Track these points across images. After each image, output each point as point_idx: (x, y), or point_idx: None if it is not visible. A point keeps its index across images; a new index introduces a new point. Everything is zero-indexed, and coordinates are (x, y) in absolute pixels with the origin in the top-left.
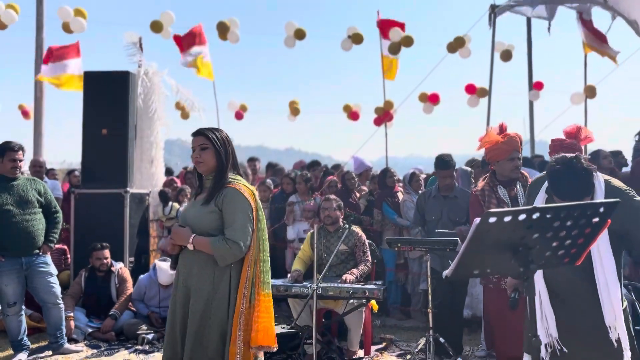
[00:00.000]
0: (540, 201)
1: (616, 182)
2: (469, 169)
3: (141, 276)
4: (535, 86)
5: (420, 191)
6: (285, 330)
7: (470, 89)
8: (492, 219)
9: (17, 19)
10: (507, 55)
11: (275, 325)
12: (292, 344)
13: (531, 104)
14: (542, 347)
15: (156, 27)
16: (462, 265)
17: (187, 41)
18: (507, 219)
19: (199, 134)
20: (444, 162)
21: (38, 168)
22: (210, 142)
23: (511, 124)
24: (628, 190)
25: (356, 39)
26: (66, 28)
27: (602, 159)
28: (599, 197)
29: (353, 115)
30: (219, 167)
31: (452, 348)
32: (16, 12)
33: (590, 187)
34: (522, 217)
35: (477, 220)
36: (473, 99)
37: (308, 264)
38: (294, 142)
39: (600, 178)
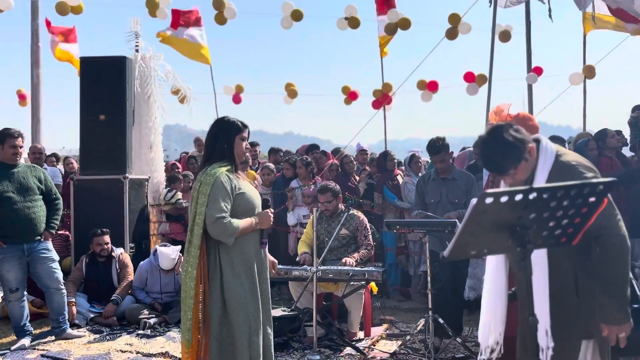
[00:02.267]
0: (485, 178)
1: (569, 157)
2: (469, 148)
3: (141, 262)
4: (534, 71)
5: (420, 173)
6: (286, 313)
7: (469, 77)
8: (489, 200)
9: (12, 5)
10: (505, 36)
11: (276, 308)
12: (293, 327)
13: (530, 87)
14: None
15: (151, 5)
16: (459, 246)
17: (185, 19)
18: (503, 199)
19: (248, 127)
20: (433, 147)
21: (38, 155)
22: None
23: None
24: (578, 166)
25: (353, 22)
26: (61, 9)
27: (609, 137)
28: (541, 171)
29: (351, 96)
30: None
31: (452, 329)
32: None
33: (514, 160)
34: (518, 197)
35: (474, 200)
36: (472, 87)
37: (312, 247)
38: (293, 127)
39: (549, 150)
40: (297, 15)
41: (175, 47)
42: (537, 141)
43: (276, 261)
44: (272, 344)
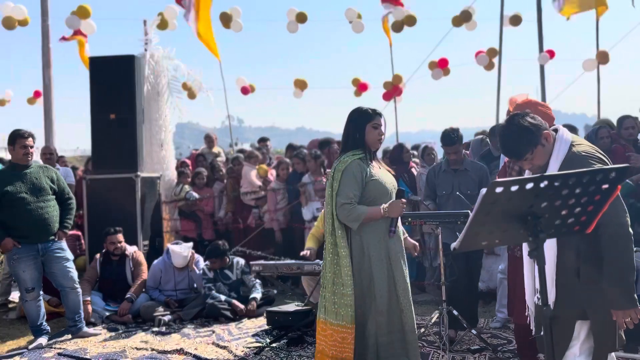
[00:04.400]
0: (501, 163)
1: (581, 147)
2: (482, 136)
3: (155, 262)
4: (547, 53)
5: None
6: (300, 308)
7: (480, 54)
8: (499, 189)
9: (27, 13)
10: (516, 20)
11: (290, 302)
12: (307, 321)
13: (542, 72)
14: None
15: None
16: (470, 237)
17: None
18: (514, 188)
19: (381, 115)
20: (447, 138)
21: (49, 155)
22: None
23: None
24: (588, 157)
25: (357, 27)
26: (72, 23)
27: (624, 128)
28: (555, 160)
29: (362, 88)
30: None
31: (467, 321)
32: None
33: (530, 144)
34: (529, 185)
35: (484, 190)
36: (482, 58)
37: (321, 240)
38: (304, 122)
39: (564, 140)
40: (301, 18)
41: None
42: (556, 131)
43: (416, 244)
44: (412, 328)
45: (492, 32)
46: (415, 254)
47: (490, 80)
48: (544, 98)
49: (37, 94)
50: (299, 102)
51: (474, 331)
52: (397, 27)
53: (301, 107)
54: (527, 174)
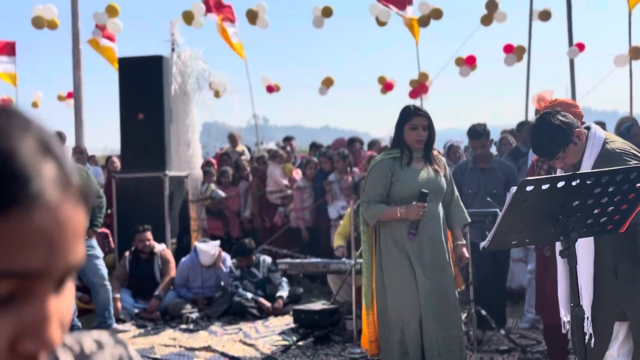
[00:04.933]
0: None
1: (616, 144)
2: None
3: (182, 259)
4: (576, 47)
5: (459, 161)
6: (326, 307)
7: (509, 48)
8: (529, 188)
9: (57, 12)
10: (545, 15)
11: (316, 301)
12: (333, 320)
13: (572, 67)
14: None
15: (188, 17)
16: (500, 236)
17: (217, 7)
18: (545, 186)
19: (424, 114)
20: (475, 131)
21: (79, 155)
22: (430, 123)
23: (548, 88)
24: (623, 154)
25: (380, 22)
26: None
27: None
28: (588, 158)
29: (387, 86)
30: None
31: (495, 320)
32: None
33: (562, 143)
34: (560, 184)
35: (514, 189)
36: (510, 58)
37: (348, 239)
38: (329, 120)
39: (597, 137)
40: (327, 12)
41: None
42: (588, 128)
43: (464, 255)
44: (431, 330)
45: (521, 27)
46: (460, 264)
47: (518, 77)
48: (573, 95)
49: (69, 95)
50: (324, 101)
51: (502, 331)
52: (424, 21)
53: (326, 106)
54: (558, 173)
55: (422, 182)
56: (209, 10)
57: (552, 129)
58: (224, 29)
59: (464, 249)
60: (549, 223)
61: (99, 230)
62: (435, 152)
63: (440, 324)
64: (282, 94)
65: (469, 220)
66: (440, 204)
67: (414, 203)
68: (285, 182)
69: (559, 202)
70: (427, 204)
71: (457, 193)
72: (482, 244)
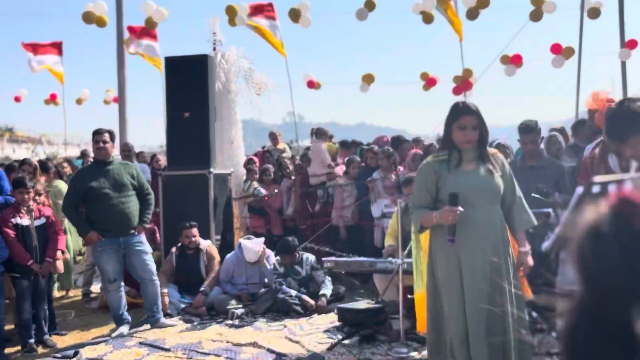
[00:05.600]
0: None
1: None
2: (553, 133)
3: (228, 256)
4: (628, 45)
5: (507, 160)
6: (371, 306)
7: (556, 48)
8: (596, 189)
9: (107, 9)
10: (594, 13)
11: (360, 300)
12: (379, 320)
13: (624, 68)
14: None
15: (231, 12)
16: (562, 238)
17: (258, 8)
18: (612, 188)
19: (473, 113)
20: (526, 126)
21: (127, 152)
22: (480, 122)
23: (600, 87)
24: None
25: (427, 18)
26: (150, 24)
27: None
28: None
29: (430, 82)
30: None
31: (546, 323)
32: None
33: (633, 129)
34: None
35: (580, 189)
36: (558, 59)
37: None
38: (365, 117)
39: None
40: (371, 5)
41: (257, 31)
42: None
43: (527, 264)
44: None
45: (570, 23)
46: (523, 273)
47: (566, 75)
48: (625, 91)
49: (115, 100)
50: (359, 97)
51: (553, 334)
52: (472, 14)
53: (361, 103)
54: (633, 168)
55: (470, 184)
56: (252, 13)
57: (628, 113)
58: (263, 30)
59: (528, 257)
60: None
61: (147, 226)
62: (493, 151)
63: (487, 339)
64: (318, 91)
65: (535, 223)
66: (498, 207)
67: (445, 207)
68: (329, 160)
69: None
70: (478, 208)
71: (519, 194)
72: (544, 245)
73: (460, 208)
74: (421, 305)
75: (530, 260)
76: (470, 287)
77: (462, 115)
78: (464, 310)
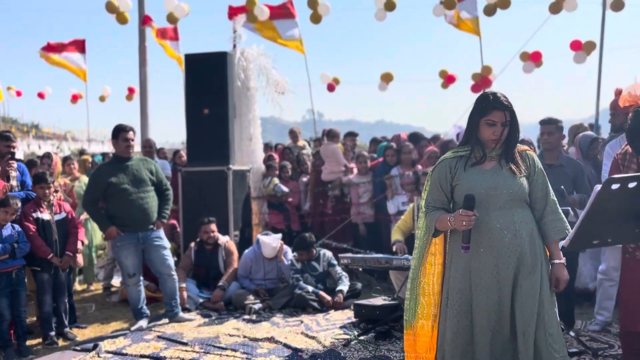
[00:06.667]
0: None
1: None
2: (594, 135)
3: (246, 251)
4: None
5: None
6: (387, 302)
7: (576, 45)
8: (615, 186)
9: (131, 6)
10: (618, 5)
11: (376, 296)
12: (395, 316)
13: None
14: None
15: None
16: (581, 236)
17: (277, 12)
18: (631, 185)
19: (505, 108)
20: (547, 119)
21: (148, 148)
22: (512, 117)
23: (621, 84)
24: None
25: (448, 4)
26: (172, 19)
27: None
28: None
29: (449, 80)
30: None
31: (564, 322)
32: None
33: None
34: None
35: (598, 187)
36: (580, 55)
37: (407, 234)
38: (384, 115)
39: None
40: (390, 6)
41: (265, 33)
42: None
43: (562, 277)
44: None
45: (591, 17)
46: (558, 288)
47: (585, 71)
48: None
49: (130, 90)
50: (379, 95)
51: (572, 333)
52: (490, 10)
53: (381, 100)
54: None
55: (485, 185)
56: (277, 16)
57: None
58: (273, 32)
59: (563, 270)
60: (635, 222)
61: (167, 222)
62: (523, 148)
63: None
64: (337, 89)
65: (569, 231)
66: (524, 212)
67: (458, 210)
68: (344, 161)
69: None
70: (493, 212)
71: (552, 197)
72: (562, 243)
73: (475, 212)
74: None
75: (565, 274)
76: (478, 309)
77: (492, 111)
78: (471, 339)
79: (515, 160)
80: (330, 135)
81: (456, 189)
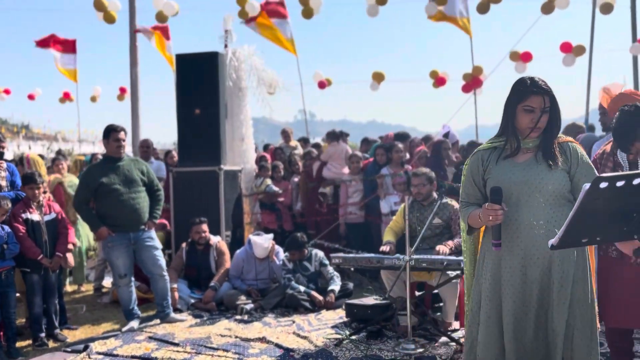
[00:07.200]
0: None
1: None
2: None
3: (237, 252)
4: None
5: None
6: (379, 302)
7: (566, 47)
8: (603, 185)
9: (120, 7)
10: (607, 8)
11: (368, 296)
12: (386, 316)
13: (635, 63)
14: None
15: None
16: (570, 234)
17: (270, 11)
18: (619, 183)
19: (545, 92)
20: None
21: (145, 149)
22: (553, 103)
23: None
24: None
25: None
26: (161, 17)
27: None
28: None
29: (440, 81)
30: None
31: None
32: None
33: None
34: (637, 181)
35: (587, 186)
36: (569, 58)
37: (399, 235)
38: (376, 115)
39: None
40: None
41: (262, 31)
42: None
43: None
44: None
45: (581, 18)
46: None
47: (575, 72)
48: (636, 87)
49: (122, 90)
50: (370, 95)
51: None
52: (483, 7)
53: (373, 101)
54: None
55: (515, 178)
56: (271, 15)
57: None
58: (273, 29)
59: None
60: (623, 221)
61: (157, 221)
62: (565, 139)
63: None
64: (329, 89)
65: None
66: (566, 210)
67: (485, 204)
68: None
69: (635, 200)
70: (523, 208)
71: None
72: (551, 242)
73: (503, 206)
74: None
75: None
76: (508, 311)
77: (530, 95)
78: (501, 343)
79: (552, 152)
80: (334, 137)
81: (487, 183)
